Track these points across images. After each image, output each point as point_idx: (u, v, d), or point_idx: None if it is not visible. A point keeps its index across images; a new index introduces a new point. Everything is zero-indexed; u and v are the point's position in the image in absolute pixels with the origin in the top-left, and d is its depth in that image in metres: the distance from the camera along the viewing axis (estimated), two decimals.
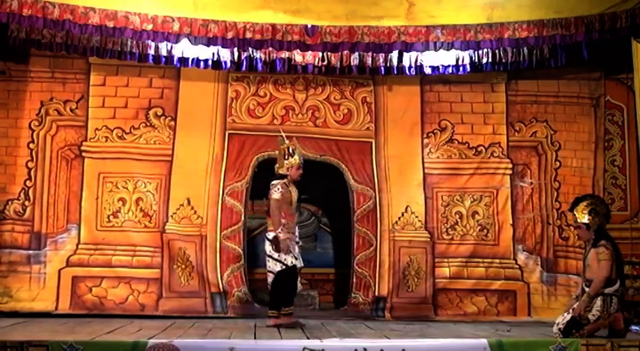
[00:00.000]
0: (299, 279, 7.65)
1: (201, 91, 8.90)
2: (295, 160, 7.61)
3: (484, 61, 8.44)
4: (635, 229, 8.80)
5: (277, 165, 7.69)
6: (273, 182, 7.55)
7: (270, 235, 7.43)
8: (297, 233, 7.65)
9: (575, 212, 7.01)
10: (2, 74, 8.62)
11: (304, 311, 8.44)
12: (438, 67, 8.57)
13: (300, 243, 7.77)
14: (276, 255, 7.39)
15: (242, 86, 8.97)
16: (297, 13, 7.98)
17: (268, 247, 7.46)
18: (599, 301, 6.64)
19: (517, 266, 8.88)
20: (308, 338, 6.55)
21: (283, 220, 7.46)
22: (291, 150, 7.64)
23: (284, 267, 7.39)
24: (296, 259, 7.44)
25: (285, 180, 7.56)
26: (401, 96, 9.09)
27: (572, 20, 7.87)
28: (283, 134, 7.89)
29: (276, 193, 7.46)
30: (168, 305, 8.51)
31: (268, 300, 7.67)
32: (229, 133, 8.89)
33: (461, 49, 8.25)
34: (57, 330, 7.01)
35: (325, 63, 8.45)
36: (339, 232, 9.38)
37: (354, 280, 8.74)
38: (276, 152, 7.83)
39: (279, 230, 7.41)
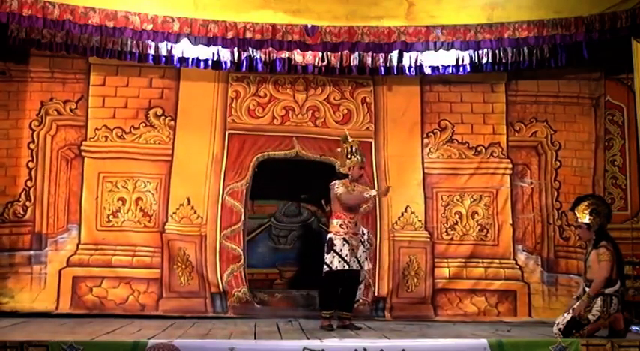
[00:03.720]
0: (361, 284, 7.65)
1: (201, 91, 8.88)
2: (358, 159, 7.62)
3: (484, 61, 8.42)
4: (636, 229, 8.78)
5: (339, 164, 7.76)
6: (335, 182, 7.58)
7: (329, 236, 7.48)
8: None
9: (576, 212, 7.02)
10: (2, 74, 8.61)
11: (304, 311, 8.45)
12: (438, 67, 8.55)
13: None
14: (325, 256, 7.41)
15: (242, 86, 8.95)
16: (297, 13, 7.98)
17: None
18: (599, 301, 6.65)
19: (517, 266, 8.87)
20: (308, 338, 6.56)
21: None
22: (353, 149, 7.66)
23: (328, 269, 7.40)
24: (346, 263, 7.37)
25: (346, 179, 7.59)
26: (401, 96, 9.08)
27: (572, 20, 7.86)
28: (347, 132, 7.90)
29: (340, 188, 7.48)
30: (169, 305, 8.50)
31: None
32: (229, 133, 8.87)
33: (461, 49, 8.23)
34: (57, 330, 7.02)
35: (325, 63, 8.43)
36: None
37: None
38: (339, 150, 7.86)
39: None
